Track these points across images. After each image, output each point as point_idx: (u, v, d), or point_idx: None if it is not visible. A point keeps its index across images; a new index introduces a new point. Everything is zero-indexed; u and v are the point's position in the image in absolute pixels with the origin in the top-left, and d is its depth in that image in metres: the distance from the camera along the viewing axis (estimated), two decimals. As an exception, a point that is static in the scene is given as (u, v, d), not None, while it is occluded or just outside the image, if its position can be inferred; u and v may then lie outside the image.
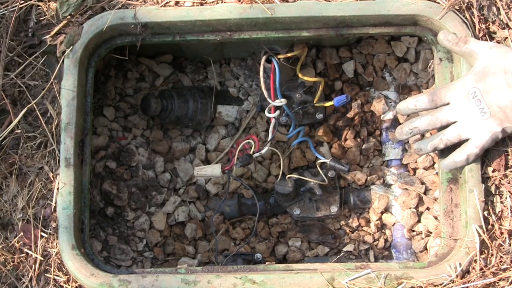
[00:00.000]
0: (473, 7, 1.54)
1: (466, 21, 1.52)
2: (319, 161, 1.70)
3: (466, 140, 1.47)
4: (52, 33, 1.59)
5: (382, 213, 1.74)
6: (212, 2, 1.60)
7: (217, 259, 1.67)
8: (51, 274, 1.50)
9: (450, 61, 1.57)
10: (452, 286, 1.41)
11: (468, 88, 1.45)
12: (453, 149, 1.50)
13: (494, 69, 1.43)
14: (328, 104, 1.71)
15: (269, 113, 1.69)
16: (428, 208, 1.72)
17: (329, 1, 1.56)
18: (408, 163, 1.74)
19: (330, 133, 1.79)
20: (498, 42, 1.52)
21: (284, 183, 1.67)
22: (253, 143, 1.67)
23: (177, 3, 1.60)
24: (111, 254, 1.69)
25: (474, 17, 1.53)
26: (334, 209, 1.71)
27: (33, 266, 1.50)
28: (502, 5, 1.53)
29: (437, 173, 1.69)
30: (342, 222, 1.76)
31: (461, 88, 1.46)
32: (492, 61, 1.44)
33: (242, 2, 1.57)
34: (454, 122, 1.47)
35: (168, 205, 1.79)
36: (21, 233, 1.51)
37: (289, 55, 1.69)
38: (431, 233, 1.67)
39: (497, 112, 1.43)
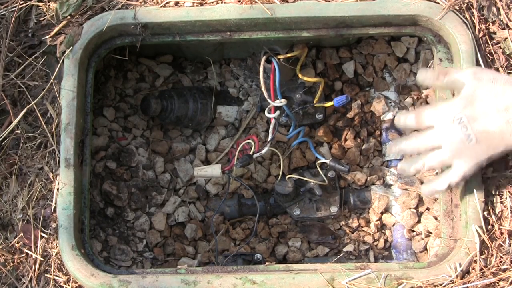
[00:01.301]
0: (473, 7, 1.54)
1: (466, 21, 1.52)
2: (319, 162, 1.70)
3: (449, 166, 1.43)
4: (52, 33, 1.59)
5: (382, 213, 1.74)
6: (212, 2, 1.60)
7: (217, 260, 1.67)
8: (51, 274, 1.50)
9: (450, 62, 1.57)
10: (452, 287, 1.41)
11: (454, 113, 1.39)
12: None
13: (483, 94, 1.38)
14: (328, 104, 1.71)
15: (269, 113, 1.69)
16: (428, 209, 1.72)
17: (329, 1, 1.56)
18: (408, 163, 1.75)
19: (330, 134, 1.79)
20: (498, 42, 1.52)
21: (284, 184, 1.68)
22: (253, 144, 1.67)
23: (177, 3, 1.60)
24: (111, 254, 1.69)
25: (474, 17, 1.53)
26: (334, 209, 1.71)
27: (33, 266, 1.50)
28: (502, 5, 1.53)
29: (437, 173, 1.69)
30: (342, 223, 1.76)
31: (446, 111, 1.40)
32: (480, 86, 1.38)
33: (242, 3, 1.57)
34: (439, 147, 1.42)
35: (168, 205, 1.79)
36: (21, 234, 1.51)
37: (289, 55, 1.69)
38: (431, 233, 1.67)
39: (484, 139, 1.37)
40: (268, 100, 1.67)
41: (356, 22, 1.57)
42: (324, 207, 1.71)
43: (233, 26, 1.58)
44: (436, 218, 1.68)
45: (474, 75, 1.40)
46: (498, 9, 1.53)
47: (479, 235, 1.44)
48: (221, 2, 1.59)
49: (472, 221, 1.46)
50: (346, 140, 1.78)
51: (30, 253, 1.50)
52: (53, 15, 1.61)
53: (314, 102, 1.72)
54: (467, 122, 1.37)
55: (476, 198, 1.46)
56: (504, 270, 1.43)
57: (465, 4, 1.53)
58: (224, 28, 1.59)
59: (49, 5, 1.61)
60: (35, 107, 1.56)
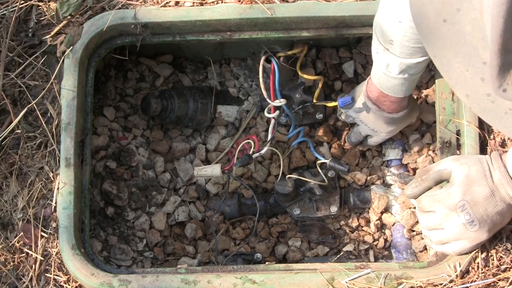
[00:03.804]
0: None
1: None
2: (319, 161, 1.70)
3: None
4: (52, 33, 1.59)
5: (382, 213, 1.74)
6: (212, 2, 1.60)
7: (217, 259, 1.67)
8: (51, 274, 1.50)
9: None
10: (451, 286, 1.41)
11: (455, 201, 1.37)
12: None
13: (476, 176, 1.37)
14: (331, 104, 1.70)
15: (269, 113, 1.69)
16: (428, 208, 1.71)
17: (329, 1, 1.56)
18: (408, 163, 1.75)
19: (330, 133, 1.79)
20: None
21: (284, 183, 1.68)
22: (252, 143, 1.67)
23: (177, 3, 1.61)
24: (111, 254, 1.69)
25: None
26: (334, 209, 1.71)
27: (33, 266, 1.50)
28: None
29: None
30: (342, 222, 1.76)
31: (446, 200, 1.39)
32: (470, 169, 1.37)
33: (242, 2, 1.57)
34: (441, 228, 1.42)
35: (168, 205, 1.79)
36: (21, 233, 1.51)
37: (289, 53, 1.69)
38: (431, 233, 1.67)
39: (485, 221, 1.37)
40: (268, 100, 1.67)
41: (356, 22, 1.57)
42: (324, 206, 1.71)
43: (233, 26, 1.58)
44: (436, 218, 1.68)
45: (457, 160, 1.40)
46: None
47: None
48: (221, 2, 1.59)
49: (472, 221, 1.46)
50: (346, 140, 1.78)
51: (30, 252, 1.51)
52: (53, 15, 1.61)
53: (314, 99, 1.72)
54: (470, 209, 1.36)
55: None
56: (504, 270, 1.43)
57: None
58: (224, 28, 1.59)
59: (49, 5, 1.62)
60: (35, 107, 1.56)
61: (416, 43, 1.36)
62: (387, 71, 1.46)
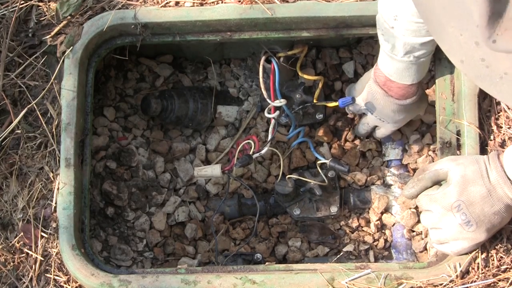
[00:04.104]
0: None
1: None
2: (319, 162, 1.70)
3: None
4: (53, 33, 1.60)
5: (382, 213, 1.74)
6: (212, 2, 1.60)
7: (217, 259, 1.67)
8: (51, 274, 1.50)
9: (450, 61, 1.57)
10: (452, 287, 1.41)
11: (451, 201, 1.38)
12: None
13: (472, 176, 1.36)
14: (331, 104, 1.69)
15: (269, 113, 1.69)
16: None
17: (329, 1, 1.56)
18: (408, 163, 1.75)
19: (330, 133, 1.79)
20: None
21: (284, 183, 1.68)
22: (253, 144, 1.67)
23: (177, 3, 1.61)
24: (111, 254, 1.69)
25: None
26: (334, 209, 1.71)
27: (33, 266, 1.50)
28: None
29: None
30: (342, 222, 1.76)
31: (442, 200, 1.39)
32: (466, 169, 1.37)
33: (242, 3, 1.57)
34: (439, 228, 1.42)
35: (168, 205, 1.79)
36: (21, 233, 1.51)
37: (289, 53, 1.69)
38: (431, 233, 1.67)
39: (483, 222, 1.37)
40: (268, 100, 1.67)
41: (356, 22, 1.57)
42: (324, 207, 1.71)
43: (233, 26, 1.58)
44: (436, 218, 1.68)
45: (454, 161, 1.40)
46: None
47: (479, 235, 1.44)
48: (221, 2, 1.59)
49: (472, 221, 1.46)
50: (346, 141, 1.78)
51: (30, 252, 1.51)
52: (54, 15, 1.61)
53: (314, 99, 1.72)
54: (466, 209, 1.36)
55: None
56: (504, 271, 1.43)
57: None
58: (224, 28, 1.59)
59: (50, 5, 1.62)
60: (36, 107, 1.56)
61: (420, 17, 1.34)
62: (392, 53, 1.44)
